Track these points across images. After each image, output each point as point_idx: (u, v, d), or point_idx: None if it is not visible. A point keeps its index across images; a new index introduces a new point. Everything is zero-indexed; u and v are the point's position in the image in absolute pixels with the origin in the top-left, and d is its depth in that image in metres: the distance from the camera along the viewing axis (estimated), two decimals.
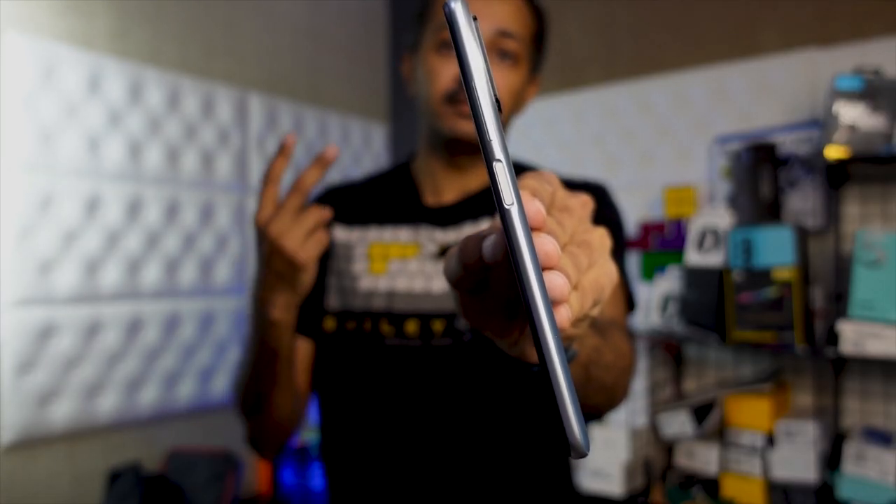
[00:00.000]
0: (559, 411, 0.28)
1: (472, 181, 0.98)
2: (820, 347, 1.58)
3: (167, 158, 1.97)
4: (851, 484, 1.50)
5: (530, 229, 0.30)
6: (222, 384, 2.10)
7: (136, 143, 1.90)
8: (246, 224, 2.19)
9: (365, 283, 0.94)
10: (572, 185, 0.92)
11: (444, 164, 0.97)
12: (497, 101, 0.31)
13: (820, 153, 1.64)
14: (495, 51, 0.91)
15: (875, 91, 1.53)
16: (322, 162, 0.79)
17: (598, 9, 2.26)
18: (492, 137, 0.30)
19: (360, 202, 1.02)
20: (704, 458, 1.75)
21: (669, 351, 1.95)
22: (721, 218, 1.76)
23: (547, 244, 0.31)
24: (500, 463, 0.90)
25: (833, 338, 1.53)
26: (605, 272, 0.39)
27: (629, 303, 0.94)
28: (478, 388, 0.89)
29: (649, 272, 1.94)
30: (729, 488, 1.70)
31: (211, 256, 2.08)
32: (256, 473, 2.14)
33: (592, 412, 0.78)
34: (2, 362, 1.63)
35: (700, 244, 1.78)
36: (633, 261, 2.01)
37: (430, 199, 0.99)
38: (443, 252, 0.93)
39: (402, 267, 0.94)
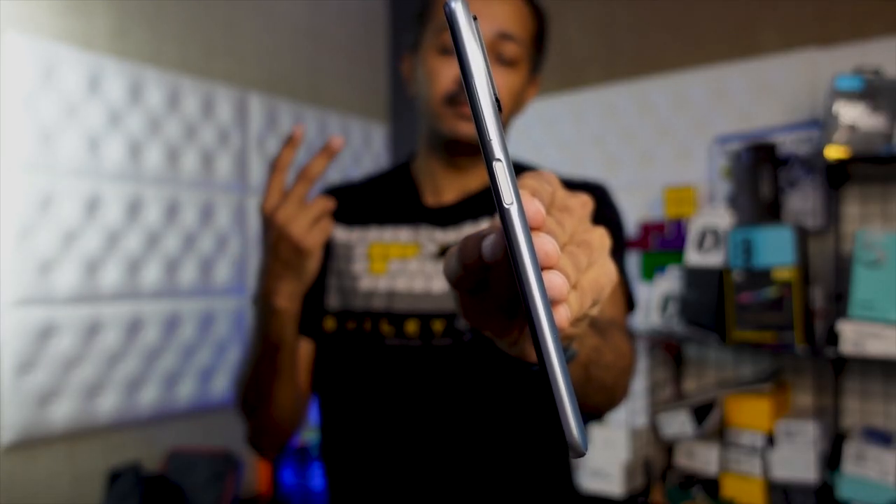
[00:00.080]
0: (558, 411, 0.28)
1: (472, 181, 0.98)
2: (820, 347, 1.58)
3: (167, 158, 1.97)
4: (851, 484, 1.50)
5: (530, 229, 0.30)
6: (222, 384, 2.10)
7: (136, 143, 1.90)
8: (246, 224, 2.19)
9: (365, 283, 0.94)
10: (572, 185, 0.92)
11: (444, 165, 0.98)
12: (497, 101, 0.31)
13: (820, 153, 1.64)
14: (495, 52, 0.91)
15: (875, 91, 1.53)
16: (328, 151, 0.80)
17: (598, 9, 2.26)
18: (492, 137, 0.30)
19: (360, 202, 1.02)
20: (704, 458, 1.75)
21: (669, 351, 1.95)
22: (721, 218, 1.76)
23: (546, 244, 0.31)
24: (500, 463, 0.90)
25: (833, 338, 1.53)
26: (604, 272, 0.39)
27: (629, 303, 0.94)
28: (478, 388, 0.89)
29: (649, 272, 1.94)
30: (729, 488, 1.70)
31: (211, 256, 2.08)
32: (256, 473, 2.14)
33: (592, 412, 0.78)
34: (2, 362, 1.63)
35: (700, 244, 1.78)
36: (633, 261, 2.01)
37: (430, 199, 0.99)
38: (443, 252, 0.94)
39: (402, 267, 0.94)
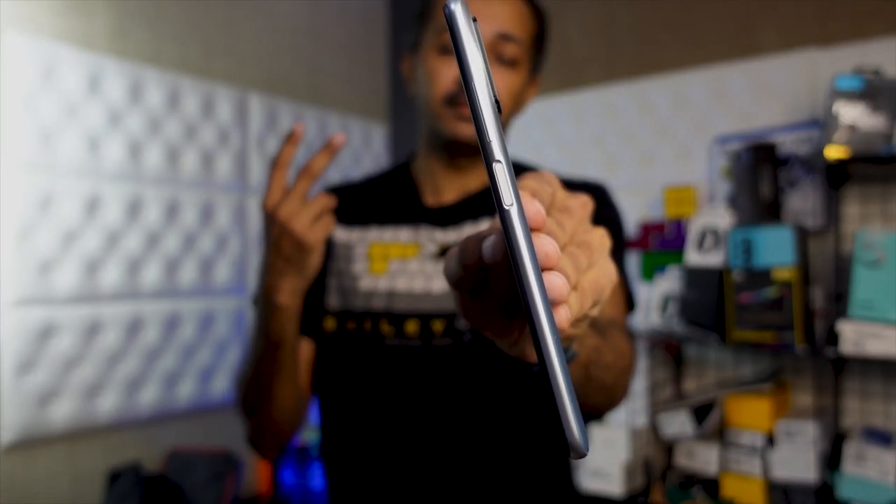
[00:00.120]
0: (558, 412, 0.28)
1: (472, 181, 0.98)
2: (820, 347, 1.58)
3: (167, 158, 1.97)
4: (851, 484, 1.50)
5: (530, 230, 0.30)
6: (222, 384, 2.10)
7: (136, 143, 1.90)
8: (246, 224, 2.19)
9: (365, 283, 0.94)
10: (572, 185, 0.92)
11: (443, 165, 0.98)
12: (497, 102, 0.31)
13: (820, 153, 1.64)
14: (495, 53, 0.91)
15: (875, 91, 1.53)
16: (330, 148, 0.81)
17: (598, 9, 2.26)
18: (491, 139, 0.30)
19: (360, 202, 1.02)
20: (704, 458, 1.75)
21: (669, 351, 1.95)
22: (721, 218, 1.76)
23: (546, 245, 0.31)
24: (500, 463, 0.90)
25: (833, 338, 1.53)
26: (604, 273, 0.39)
27: (629, 303, 0.94)
28: (478, 388, 0.89)
29: (649, 272, 1.94)
30: (729, 488, 1.70)
31: (211, 256, 2.08)
32: (256, 473, 2.14)
33: (592, 412, 0.78)
34: (2, 362, 1.63)
35: (700, 244, 1.78)
36: (633, 261, 2.01)
37: (430, 199, 0.99)
38: (443, 252, 0.94)
39: (403, 267, 0.94)
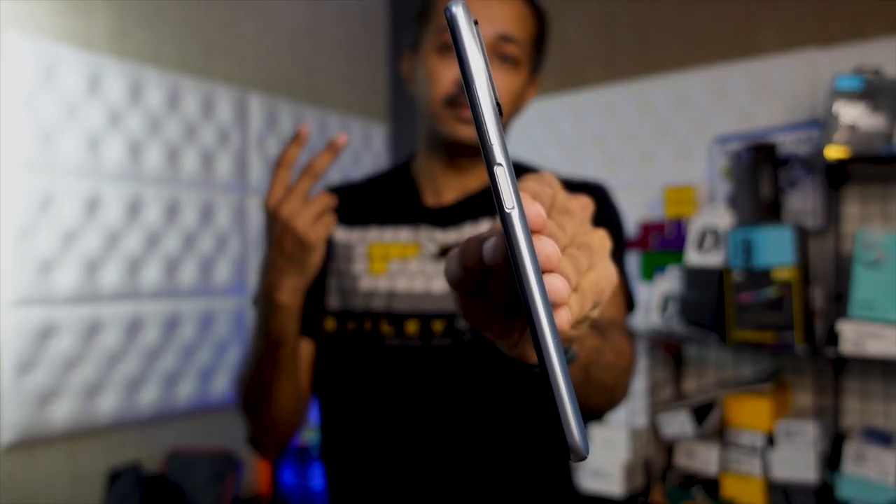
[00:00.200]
0: (559, 414, 0.28)
1: (472, 181, 0.98)
2: (820, 347, 1.58)
3: (167, 158, 1.97)
4: (851, 484, 1.50)
5: (531, 232, 0.30)
6: (222, 384, 2.10)
7: (136, 143, 1.90)
8: (246, 224, 2.19)
9: (365, 284, 0.95)
10: (572, 186, 0.93)
11: (443, 165, 0.98)
12: (498, 104, 0.31)
13: (820, 153, 1.64)
14: (496, 54, 0.91)
15: (875, 91, 1.53)
16: (333, 148, 0.81)
17: (598, 9, 2.26)
18: (493, 141, 0.30)
19: (360, 203, 1.02)
20: (704, 458, 1.75)
21: (669, 351, 1.95)
22: (721, 218, 1.76)
23: (547, 247, 0.31)
24: (500, 463, 0.90)
25: (833, 338, 1.53)
26: (604, 274, 0.39)
27: (629, 303, 0.94)
28: (478, 388, 0.89)
29: (649, 272, 1.94)
30: (729, 488, 1.70)
31: (211, 256, 2.08)
32: (256, 473, 2.14)
33: (592, 412, 0.78)
34: (2, 362, 1.63)
35: (700, 244, 1.78)
36: (633, 261, 2.01)
37: (430, 199, 0.99)
38: (443, 252, 0.94)
39: (403, 267, 0.94)
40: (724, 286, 1.67)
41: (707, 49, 2.04)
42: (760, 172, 1.72)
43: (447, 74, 0.90)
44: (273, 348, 0.86)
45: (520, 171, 0.93)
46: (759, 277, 1.61)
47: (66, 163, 1.75)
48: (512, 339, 0.39)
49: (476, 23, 0.31)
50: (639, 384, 1.84)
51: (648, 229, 2.00)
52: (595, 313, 0.40)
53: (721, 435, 1.76)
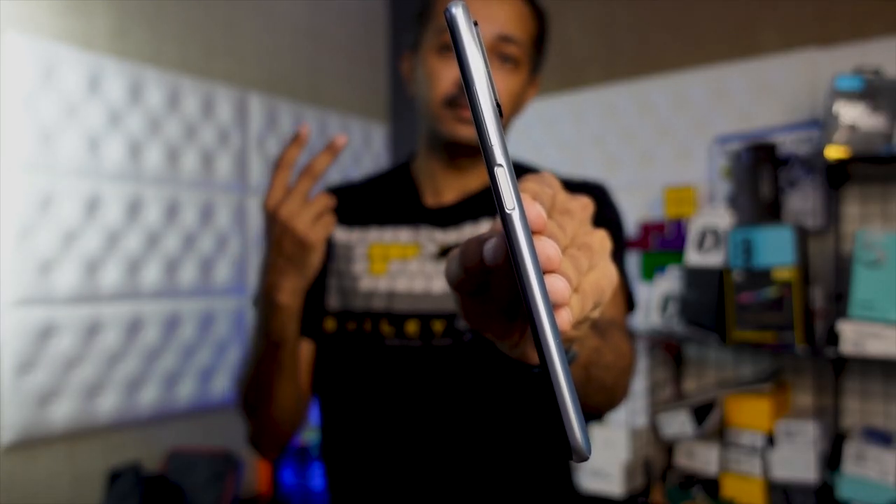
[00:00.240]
0: (560, 415, 0.28)
1: (472, 181, 0.98)
2: (820, 347, 1.58)
3: (167, 158, 1.97)
4: (851, 484, 1.50)
5: (531, 233, 0.30)
6: (222, 384, 2.10)
7: (136, 143, 1.90)
8: (246, 224, 2.19)
9: (365, 284, 0.95)
10: (571, 185, 0.92)
11: (443, 165, 0.98)
12: (498, 105, 0.31)
13: (820, 153, 1.64)
14: (496, 55, 0.91)
15: (875, 91, 1.53)
16: (332, 149, 0.81)
17: (598, 9, 2.26)
18: (493, 142, 0.30)
19: (360, 203, 1.02)
20: (704, 458, 1.75)
21: (669, 351, 1.95)
22: (721, 218, 1.76)
23: (548, 248, 0.31)
24: (501, 463, 0.90)
25: (833, 338, 1.53)
26: (605, 274, 0.39)
27: (629, 303, 0.94)
28: (478, 388, 0.89)
29: (649, 272, 1.94)
30: (729, 488, 1.70)
31: (211, 256, 2.08)
32: (256, 473, 2.14)
33: (592, 412, 0.78)
34: (2, 362, 1.63)
35: (700, 244, 1.78)
36: (633, 261, 2.01)
37: (430, 199, 0.99)
38: (443, 252, 0.94)
39: (403, 267, 0.94)
40: (724, 286, 1.67)
41: (707, 49, 2.04)
42: (760, 172, 1.72)
43: (447, 75, 0.90)
44: (273, 349, 0.86)
45: (520, 171, 0.93)
46: (759, 277, 1.61)
47: (66, 163, 1.75)
48: (512, 339, 0.39)
49: (476, 24, 0.31)
50: (639, 384, 1.84)
51: (648, 229, 2.00)
52: (596, 314, 0.40)
53: (721, 435, 1.76)
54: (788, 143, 1.79)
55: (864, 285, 1.52)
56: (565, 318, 0.32)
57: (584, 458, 0.28)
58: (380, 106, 2.76)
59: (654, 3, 2.15)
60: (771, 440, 1.67)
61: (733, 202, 1.80)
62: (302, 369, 0.96)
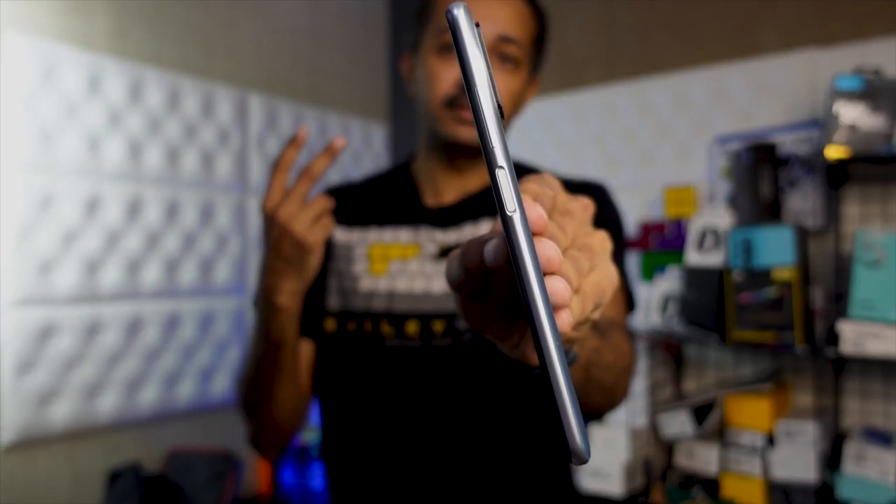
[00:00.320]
0: (560, 418, 0.28)
1: (472, 182, 0.98)
2: (820, 347, 1.58)
3: (167, 158, 1.97)
4: (851, 484, 1.51)
5: (532, 234, 0.30)
6: (222, 384, 2.10)
7: (136, 143, 1.90)
8: (246, 224, 2.19)
9: (365, 284, 0.95)
10: (571, 185, 0.92)
11: (443, 165, 0.98)
12: (499, 107, 0.31)
13: (820, 153, 1.64)
14: (496, 55, 0.91)
15: (875, 91, 1.53)
16: (330, 151, 0.81)
17: (598, 9, 2.26)
18: (494, 144, 0.30)
19: (360, 203, 1.02)
20: (704, 458, 1.75)
21: (669, 351, 1.95)
22: (721, 218, 1.76)
23: (548, 249, 0.31)
24: (501, 463, 0.90)
25: (833, 338, 1.53)
26: (605, 276, 0.39)
27: (629, 303, 0.94)
28: (478, 388, 0.89)
29: (649, 272, 1.94)
30: (729, 488, 1.70)
31: (211, 256, 2.08)
32: (256, 473, 2.14)
33: (592, 412, 0.78)
34: (2, 362, 1.63)
35: (700, 244, 1.78)
36: (633, 261, 2.01)
37: (430, 199, 0.99)
38: (443, 252, 0.94)
39: (403, 268, 0.94)
40: (724, 286, 1.67)
41: (707, 49, 2.04)
42: (760, 172, 1.72)
43: (447, 75, 0.90)
44: (273, 349, 0.86)
45: (520, 171, 0.93)
46: (759, 277, 1.61)
47: (66, 163, 1.75)
48: (513, 340, 0.39)
49: (477, 25, 0.31)
50: (639, 384, 1.84)
51: (648, 229, 2.00)
52: (596, 315, 0.40)
53: (721, 435, 1.76)
54: (788, 143, 1.79)
55: (864, 285, 1.52)
56: (565, 319, 0.32)
57: (584, 461, 0.28)
58: (380, 106, 2.76)
59: (654, 3, 2.15)
60: (771, 440, 1.67)
61: (733, 202, 1.80)
62: (302, 370, 0.96)
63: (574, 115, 2.28)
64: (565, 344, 0.45)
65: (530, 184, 0.39)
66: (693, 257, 1.78)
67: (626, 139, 2.17)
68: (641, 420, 1.84)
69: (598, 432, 1.83)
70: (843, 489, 1.51)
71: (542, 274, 0.30)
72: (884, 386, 1.69)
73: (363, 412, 0.93)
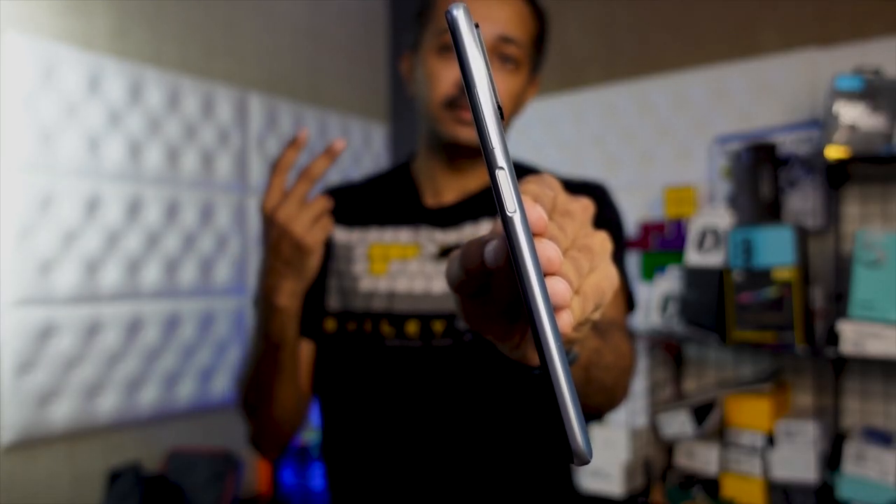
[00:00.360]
0: (561, 419, 0.28)
1: (472, 182, 0.98)
2: (820, 347, 1.58)
3: (167, 158, 1.97)
4: (851, 484, 1.51)
5: (532, 235, 0.30)
6: (222, 384, 2.10)
7: (136, 143, 1.90)
8: (246, 224, 2.19)
9: (365, 284, 0.95)
10: (571, 185, 0.92)
11: (443, 166, 0.98)
12: (499, 108, 0.31)
13: (820, 153, 1.64)
14: (496, 55, 0.91)
15: (875, 91, 1.53)
16: (330, 153, 0.81)
17: (598, 9, 2.26)
18: (494, 146, 0.30)
19: (360, 203, 1.02)
20: (704, 458, 1.75)
21: (669, 351, 1.95)
22: (721, 218, 1.76)
23: (549, 250, 0.31)
24: (501, 463, 0.90)
25: (833, 338, 1.53)
26: (606, 276, 0.39)
27: (629, 303, 0.94)
28: (478, 388, 0.89)
29: (649, 272, 1.94)
30: (729, 488, 1.70)
31: (211, 256, 2.08)
32: (256, 473, 2.14)
33: (593, 412, 0.78)
34: (2, 362, 1.63)
35: (700, 244, 1.78)
36: (633, 261, 2.01)
37: (430, 199, 0.99)
38: (443, 253, 0.94)
39: (403, 268, 0.94)
40: (724, 286, 1.67)
41: (707, 49, 2.04)
42: (760, 172, 1.72)
43: (447, 76, 0.90)
44: (273, 350, 0.87)
45: (520, 171, 0.93)
46: (759, 277, 1.61)
47: (66, 163, 1.75)
48: (513, 341, 0.39)
49: (477, 26, 0.31)
50: (639, 384, 1.84)
51: (648, 229, 2.00)
52: (596, 315, 0.40)
53: (721, 435, 1.76)
54: (788, 143, 1.79)
55: (864, 285, 1.52)
56: (566, 320, 0.32)
57: (585, 462, 0.28)
58: (380, 106, 2.76)
59: (654, 3, 2.15)
60: (771, 440, 1.67)
61: (733, 202, 1.80)
62: (302, 369, 0.96)
63: (574, 115, 2.28)
64: (566, 344, 0.45)
65: (530, 184, 0.39)
66: (693, 257, 1.78)
67: (626, 139, 2.17)
68: (641, 420, 1.84)
69: (598, 432, 1.83)
70: (843, 489, 1.51)
71: (543, 275, 0.30)
72: (884, 386, 1.69)
73: (363, 412, 0.93)
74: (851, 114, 1.53)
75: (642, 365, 1.85)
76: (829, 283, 1.66)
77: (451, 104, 0.90)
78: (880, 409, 1.70)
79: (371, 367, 0.92)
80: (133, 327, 1.87)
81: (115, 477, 1.73)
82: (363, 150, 2.64)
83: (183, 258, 2.00)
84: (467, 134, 0.91)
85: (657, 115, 2.11)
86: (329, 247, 0.98)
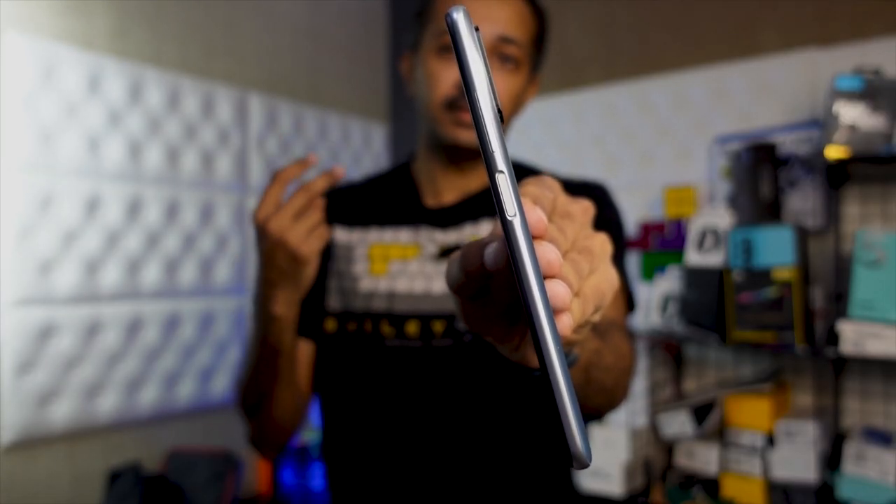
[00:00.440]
0: (561, 422, 0.28)
1: (472, 182, 0.98)
2: (820, 347, 1.58)
3: (167, 158, 1.97)
4: (851, 484, 1.51)
5: (532, 237, 0.30)
6: (222, 384, 2.10)
7: (136, 143, 1.90)
8: (246, 224, 2.19)
9: (365, 285, 0.95)
10: (571, 186, 0.92)
11: (443, 166, 0.97)
12: (499, 110, 0.31)
13: (820, 153, 1.64)
14: (496, 55, 0.91)
15: (875, 91, 1.53)
16: (331, 176, 0.82)
17: (598, 9, 2.26)
18: (494, 149, 0.30)
19: (360, 203, 1.02)
20: (704, 458, 1.75)
21: (669, 351, 1.95)
22: (721, 218, 1.76)
23: (548, 252, 0.31)
24: (501, 463, 0.90)
25: (833, 338, 1.53)
26: (606, 278, 0.39)
27: (629, 303, 0.94)
28: (478, 388, 0.89)
29: (649, 272, 1.94)
30: (729, 488, 1.70)
31: (211, 256, 2.08)
32: (256, 473, 2.14)
33: (592, 413, 0.78)
34: (2, 362, 1.63)
35: (700, 244, 1.78)
36: (633, 261, 2.01)
37: (431, 200, 0.99)
38: (443, 253, 0.94)
39: (403, 268, 0.94)
40: (724, 286, 1.67)
41: (707, 49, 2.04)
42: (760, 172, 1.72)
43: (447, 77, 0.90)
44: (270, 355, 0.87)
45: (520, 171, 0.93)
46: (759, 277, 1.61)
47: (66, 163, 1.75)
48: (513, 343, 0.39)
49: (477, 28, 0.31)
50: (639, 384, 1.84)
51: (648, 229, 2.00)
52: (596, 317, 0.40)
53: (721, 435, 1.76)
54: (788, 143, 1.79)
55: (864, 285, 1.52)
56: (566, 322, 0.31)
57: (585, 465, 0.28)
58: (380, 106, 2.76)
59: (654, 3, 2.14)
60: (771, 440, 1.67)
61: (733, 202, 1.80)
62: (302, 369, 0.96)
63: (574, 115, 2.28)
64: (565, 346, 0.45)
65: (530, 186, 0.39)
66: (693, 257, 1.78)
67: (626, 139, 2.17)
68: (641, 420, 1.84)
69: (598, 432, 1.83)
70: (843, 489, 1.51)
71: (543, 277, 0.30)
72: (884, 386, 1.69)
73: (363, 412, 0.93)
74: (851, 114, 1.53)
75: (642, 365, 1.85)
76: (829, 283, 1.66)
77: (451, 105, 0.90)
78: (880, 409, 1.70)
79: (371, 367, 0.92)
80: (133, 327, 1.87)
81: (115, 477, 1.73)
82: (363, 150, 2.64)
83: (183, 258, 2.00)
84: (467, 136, 0.91)
85: (657, 115, 2.11)
86: (329, 247, 0.98)
